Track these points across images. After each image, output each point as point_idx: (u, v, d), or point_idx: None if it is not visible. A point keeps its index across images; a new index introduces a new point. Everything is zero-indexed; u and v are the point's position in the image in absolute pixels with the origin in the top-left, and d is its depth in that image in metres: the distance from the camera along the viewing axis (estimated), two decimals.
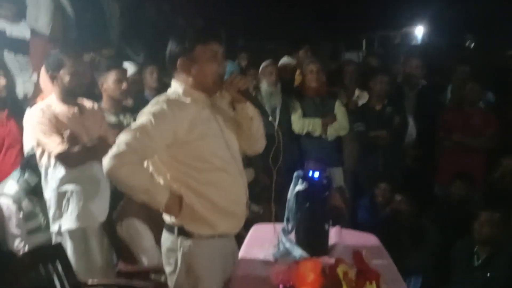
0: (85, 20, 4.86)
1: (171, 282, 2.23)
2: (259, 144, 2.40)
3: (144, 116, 2.03)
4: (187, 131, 2.06)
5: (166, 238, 2.23)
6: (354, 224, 4.00)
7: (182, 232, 2.16)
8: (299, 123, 4.55)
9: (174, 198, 2.10)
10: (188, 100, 2.13)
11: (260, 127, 2.33)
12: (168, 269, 2.24)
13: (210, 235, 2.17)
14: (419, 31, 11.26)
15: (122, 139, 1.97)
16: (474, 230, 3.55)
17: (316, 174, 2.56)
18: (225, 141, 2.19)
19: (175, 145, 2.07)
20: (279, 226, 2.67)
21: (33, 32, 4.41)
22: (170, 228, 2.20)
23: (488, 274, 3.47)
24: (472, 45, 8.97)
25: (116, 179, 1.98)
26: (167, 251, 2.23)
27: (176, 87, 2.19)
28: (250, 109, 2.23)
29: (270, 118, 2.31)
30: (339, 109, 4.61)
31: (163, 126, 2.01)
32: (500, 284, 3.45)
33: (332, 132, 4.56)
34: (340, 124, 4.55)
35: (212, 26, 2.30)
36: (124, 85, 3.59)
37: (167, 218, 2.20)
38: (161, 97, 2.14)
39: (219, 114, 2.22)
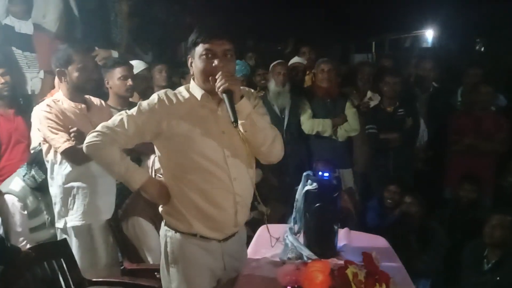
0: (92, 18, 4.84)
1: None
2: (271, 155, 2.22)
3: (135, 106, 2.14)
4: (174, 125, 2.08)
5: (161, 225, 2.31)
6: (363, 226, 3.95)
7: (168, 224, 2.24)
8: (309, 124, 4.52)
9: (154, 185, 2.18)
10: (187, 95, 2.15)
11: (267, 138, 2.14)
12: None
13: (188, 232, 2.18)
14: (429, 35, 11.17)
15: (105, 121, 2.13)
16: (485, 233, 3.51)
17: (326, 174, 2.52)
18: (221, 143, 2.12)
19: (162, 136, 2.11)
20: (282, 227, 2.65)
21: (39, 28, 4.36)
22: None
23: (498, 278, 3.42)
24: (483, 48, 8.91)
25: (87, 153, 2.11)
26: (160, 238, 2.31)
27: (188, 84, 2.23)
28: (243, 113, 2.04)
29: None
30: (349, 110, 4.57)
31: (144, 117, 2.09)
32: None
33: (343, 133, 4.52)
34: (350, 125, 4.51)
35: (218, 24, 2.23)
36: (129, 82, 3.57)
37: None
38: (162, 90, 2.21)
39: (225, 116, 2.11)
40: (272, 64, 4.72)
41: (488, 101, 4.64)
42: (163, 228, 2.26)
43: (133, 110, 2.12)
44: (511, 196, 4.30)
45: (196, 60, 2.09)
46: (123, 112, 2.13)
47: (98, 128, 2.10)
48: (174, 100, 2.13)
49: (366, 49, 11.08)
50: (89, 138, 2.08)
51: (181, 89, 2.22)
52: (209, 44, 2.05)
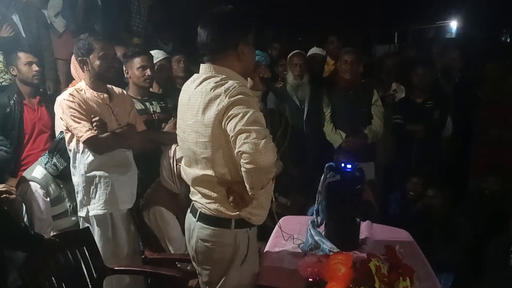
0: (112, 7, 4.87)
1: (214, 276, 2.19)
2: None
3: (240, 110, 1.89)
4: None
5: (214, 233, 2.14)
6: (385, 219, 3.90)
7: (241, 224, 2.13)
8: (328, 129, 4.44)
9: None
10: (249, 87, 2.12)
11: None
12: (212, 264, 2.18)
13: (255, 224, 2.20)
14: (453, 25, 10.98)
15: (253, 136, 1.84)
16: (511, 227, 3.43)
17: (349, 166, 2.49)
18: None
19: None
20: (304, 219, 2.63)
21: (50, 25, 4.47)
22: (220, 222, 2.12)
23: None
24: (509, 39, 8.73)
25: (267, 168, 1.87)
26: (216, 246, 2.14)
27: (231, 74, 2.07)
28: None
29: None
30: (376, 109, 4.39)
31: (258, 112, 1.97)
32: None
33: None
34: (376, 127, 4.36)
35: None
36: (148, 72, 3.56)
37: (224, 211, 2.11)
38: (233, 87, 1.94)
39: None
40: (289, 55, 4.58)
41: None
42: (232, 232, 2.12)
43: (247, 104, 1.90)
44: None
45: (252, 48, 2.12)
46: (248, 110, 1.89)
47: (260, 133, 1.84)
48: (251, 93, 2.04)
49: (389, 40, 10.93)
50: (272, 150, 1.85)
51: (232, 81, 1.99)
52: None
